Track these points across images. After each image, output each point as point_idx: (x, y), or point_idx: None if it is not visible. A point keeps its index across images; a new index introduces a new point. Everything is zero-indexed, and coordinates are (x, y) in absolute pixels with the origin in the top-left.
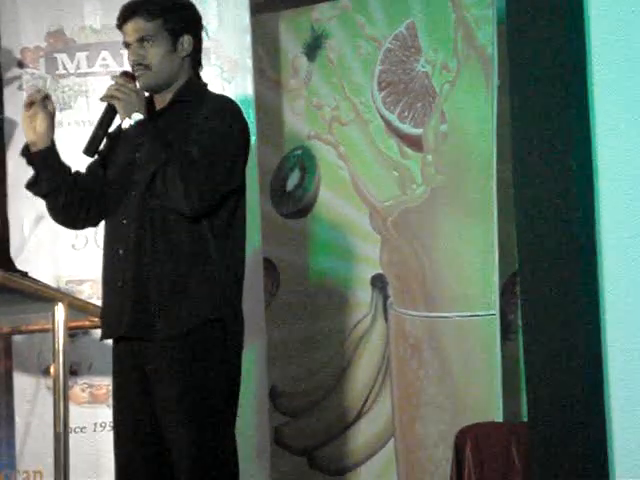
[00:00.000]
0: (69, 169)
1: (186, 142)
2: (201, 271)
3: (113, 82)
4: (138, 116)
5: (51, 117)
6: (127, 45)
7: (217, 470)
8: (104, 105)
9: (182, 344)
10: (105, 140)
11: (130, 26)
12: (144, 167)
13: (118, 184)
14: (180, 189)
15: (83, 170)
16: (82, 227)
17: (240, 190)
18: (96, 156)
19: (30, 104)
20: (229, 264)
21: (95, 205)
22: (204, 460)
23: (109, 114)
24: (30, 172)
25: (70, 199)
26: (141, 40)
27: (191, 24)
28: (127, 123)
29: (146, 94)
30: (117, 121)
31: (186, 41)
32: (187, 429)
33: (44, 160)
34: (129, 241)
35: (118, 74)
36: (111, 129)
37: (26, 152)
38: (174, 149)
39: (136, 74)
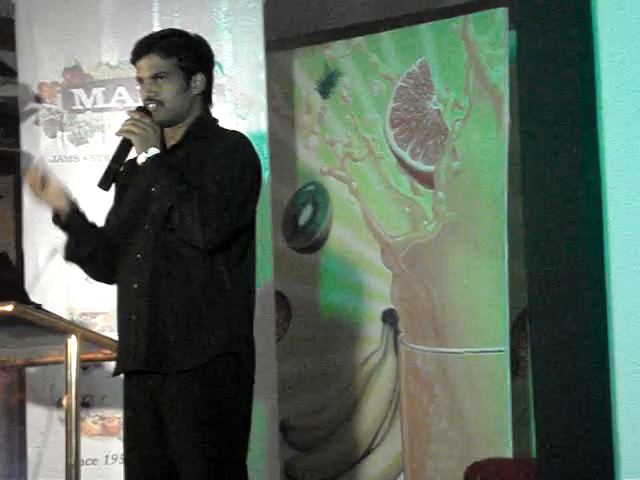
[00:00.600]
0: (96, 230)
1: (202, 177)
2: (215, 304)
3: (128, 117)
4: (153, 150)
5: (58, 184)
6: (140, 80)
7: None
8: (119, 140)
9: (196, 377)
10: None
11: (145, 62)
12: (160, 200)
13: (131, 218)
14: (197, 223)
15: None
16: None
17: (252, 224)
18: (112, 200)
19: (33, 184)
20: (242, 297)
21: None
22: None
23: (124, 148)
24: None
25: (106, 257)
26: (155, 77)
27: (205, 62)
28: (143, 157)
29: None
30: (130, 155)
31: (199, 79)
32: (200, 461)
33: (71, 226)
34: (144, 275)
35: (134, 109)
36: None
37: (55, 219)
38: (190, 183)
39: (149, 108)
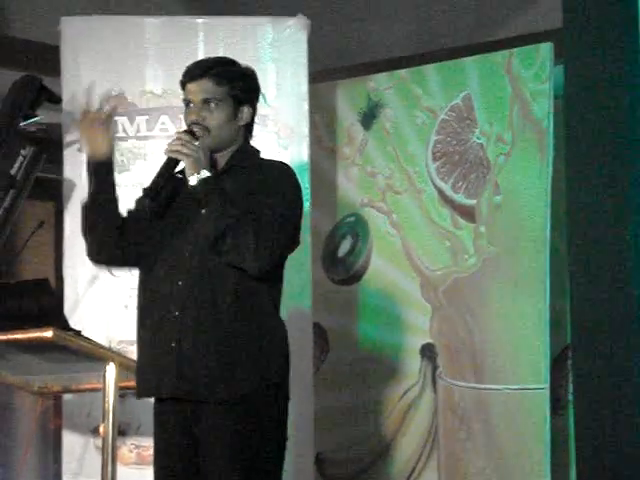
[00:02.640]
0: (117, 198)
1: (250, 204)
2: (260, 333)
3: (176, 137)
4: (205, 173)
5: (110, 133)
6: (188, 103)
7: None
8: (165, 158)
9: (235, 408)
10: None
11: (196, 85)
12: (211, 223)
13: (173, 240)
14: (251, 247)
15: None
16: (119, 263)
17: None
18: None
19: (93, 119)
20: (281, 326)
21: (131, 249)
22: None
23: (170, 166)
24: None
25: (110, 223)
26: (206, 102)
27: (252, 94)
28: (195, 179)
29: None
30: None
31: (246, 111)
32: None
33: (98, 170)
34: (187, 303)
35: (182, 130)
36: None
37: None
38: (243, 209)
39: (195, 132)
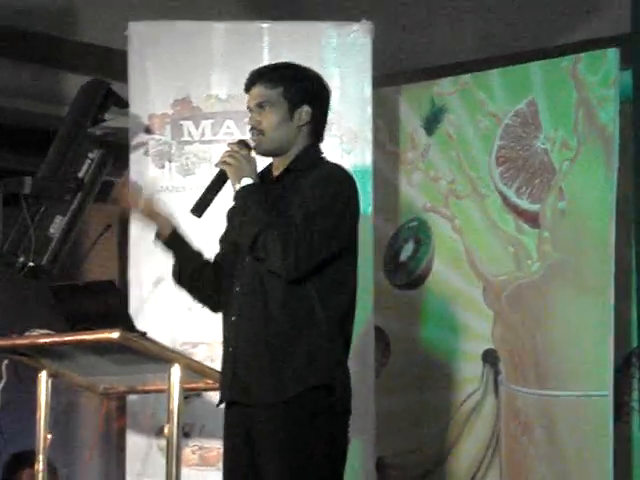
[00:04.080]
0: (198, 252)
1: (290, 208)
2: (309, 336)
3: (228, 148)
4: (247, 181)
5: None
6: (249, 109)
7: None
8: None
9: (289, 410)
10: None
11: (253, 91)
12: (247, 230)
13: (233, 249)
14: (278, 253)
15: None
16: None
17: (348, 254)
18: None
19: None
20: (336, 327)
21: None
22: None
23: (220, 179)
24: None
25: (208, 282)
26: (260, 106)
27: (312, 95)
28: (238, 188)
29: (269, 159)
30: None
31: (305, 111)
32: None
33: (174, 244)
34: (241, 308)
35: (234, 141)
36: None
37: (157, 236)
38: (280, 214)
39: (251, 138)
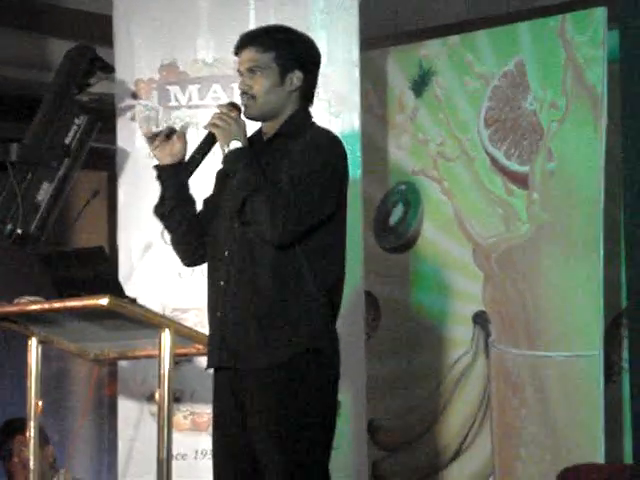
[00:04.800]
0: (193, 199)
1: (279, 172)
2: (297, 301)
3: (217, 111)
4: (236, 144)
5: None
6: (239, 73)
7: None
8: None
9: (276, 375)
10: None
11: (244, 54)
12: (235, 193)
13: (220, 214)
14: (267, 217)
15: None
16: (191, 264)
17: (336, 218)
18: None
19: (168, 135)
20: (326, 291)
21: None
22: None
23: (209, 140)
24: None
25: (189, 228)
26: (251, 70)
27: (304, 60)
28: (226, 151)
29: (258, 124)
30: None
31: (296, 76)
32: (280, 461)
33: (171, 175)
34: (230, 273)
35: (224, 103)
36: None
37: (156, 166)
38: (266, 178)
39: (242, 102)
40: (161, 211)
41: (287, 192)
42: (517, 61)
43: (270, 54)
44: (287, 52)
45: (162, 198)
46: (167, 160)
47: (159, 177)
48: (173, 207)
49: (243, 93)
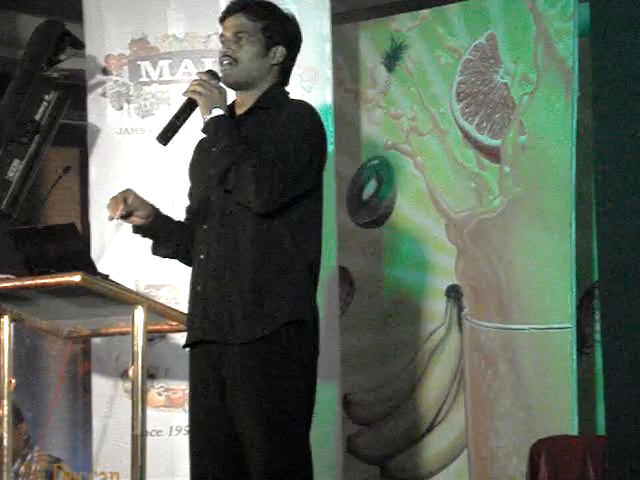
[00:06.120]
0: (177, 225)
1: (263, 142)
2: (279, 273)
3: (197, 77)
4: (218, 111)
5: (141, 202)
6: (222, 38)
7: (292, 472)
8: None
9: (259, 348)
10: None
11: (231, 20)
12: (218, 160)
13: (200, 187)
14: (252, 185)
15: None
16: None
17: (315, 192)
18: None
19: (125, 217)
20: (306, 265)
21: None
22: (279, 462)
23: (188, 107)
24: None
25: (191, 244)
26: (237, 35)
27: (289, 37)
28: (207, 118)
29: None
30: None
31: (279, 51)
32: (263, 431)
33: (150, 228)
34: (210, 246)
35: (203, 71)
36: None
37: (136, 230)
38: (250, 146)
39: (223, 65)
40: (164, 253)
41: (273, 162)
42: (488, 35)
43: (259, 24)
44: (275, 26)
45: (155, 244)
46: (139, 223)
47: (140, 235)
48: (175, 250)
49: (224, 56)
